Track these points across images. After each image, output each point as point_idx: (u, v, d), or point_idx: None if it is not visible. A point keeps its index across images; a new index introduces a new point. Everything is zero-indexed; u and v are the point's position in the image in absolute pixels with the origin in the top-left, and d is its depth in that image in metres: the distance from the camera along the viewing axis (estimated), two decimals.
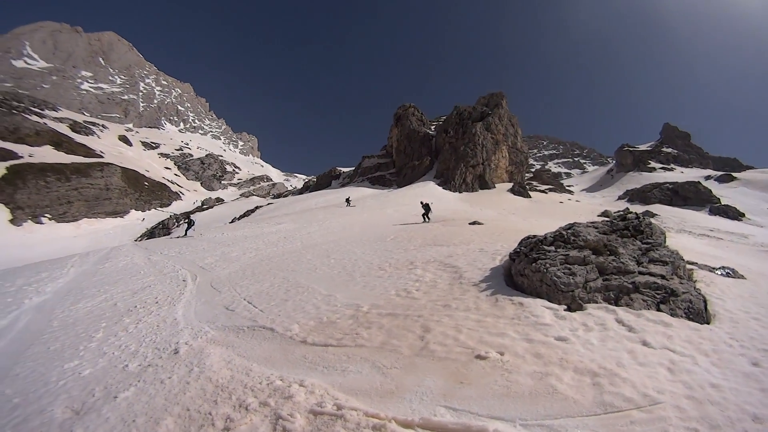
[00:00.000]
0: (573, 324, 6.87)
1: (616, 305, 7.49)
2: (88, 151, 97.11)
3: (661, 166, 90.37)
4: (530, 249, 9.81)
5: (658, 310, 7.27)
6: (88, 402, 6.69)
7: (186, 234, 34.44)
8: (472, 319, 7.64)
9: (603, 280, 8.16)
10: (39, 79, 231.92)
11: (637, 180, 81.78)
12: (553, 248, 9.52)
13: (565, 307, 7.67)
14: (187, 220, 36.46)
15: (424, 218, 29.80)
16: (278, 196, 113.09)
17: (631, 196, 67.68)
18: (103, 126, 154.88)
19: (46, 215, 67.86)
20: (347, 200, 50.32)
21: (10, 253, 46.66)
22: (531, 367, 5.59)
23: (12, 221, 61.44)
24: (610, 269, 8.37)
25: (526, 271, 9.04)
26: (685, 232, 35.30)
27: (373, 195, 62.61)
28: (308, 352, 7.46)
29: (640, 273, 8.25)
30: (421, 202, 31.59)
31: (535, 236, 10.82)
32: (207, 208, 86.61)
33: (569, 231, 10.09)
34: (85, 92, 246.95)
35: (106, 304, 13.65)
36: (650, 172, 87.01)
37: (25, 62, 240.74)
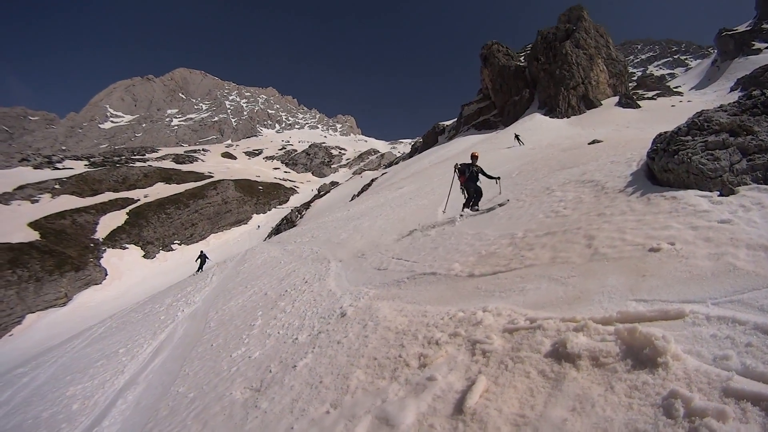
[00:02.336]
0: (731, 207, 6.54)
1: (767, 183, 7.10)
2: (197, 176, 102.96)
3: (767, 45, 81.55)
4: (667, 143, 9.30)
5: None
6: (266, 378, 6.68)
7: (201, 270, 34.71)
8: (632, 220, 7.35)
9: (747, 160, 7.76)
10: (130, 132, 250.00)
11: (745, 66, 73.89)
12: (689, 138, 9.02)
13: (718, 192, 7.37)
14: (199, 257, 35.73)
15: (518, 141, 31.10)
16: (389, 165, 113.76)
17: (744, 84, 61.30)
18: (203, 150, 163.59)
19: (175, 242, 72.73)
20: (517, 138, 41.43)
21: (152, 284, 50.40)
22: (705, 251, 5.39)
23: (145, 256, 66.51)
24: (752, 149, 7.84)
25: (670, 165, 8.66)
26: None
27: (482, 140, 61.21)
28: (479, 283, 7.06)
29: None
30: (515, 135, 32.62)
31: (668, 131, 9.95)
32: (324, 194, 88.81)
33: (701, 118, 9.42)
34: (176, 127, 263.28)
35: (257, 296, 14.00)
36: (756, 54, 78.17)
37: (112, 122, 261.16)
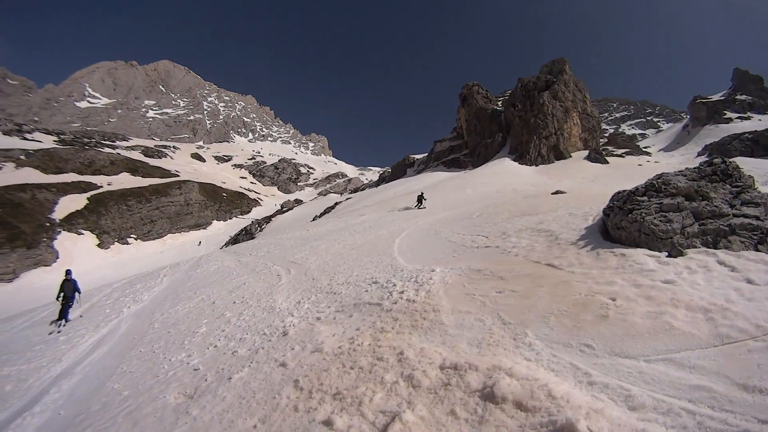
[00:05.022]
0: (677, 268, 7.05)
1: (715, 248, 7.78)
2: (163, 173, 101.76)
3: (738, 115, 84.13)
4: (623, 202, 10.03)
5: (757, 250, 7.46)
6: (201, 386, 6.83)
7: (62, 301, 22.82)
8: (578, 273, 7.89)
9: (699, 224, 8.48)
10: (105, 115, 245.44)
11: (715, 133, 76.74)
12: (645, 198, 9.72)
13: (666, 253, 7.99)
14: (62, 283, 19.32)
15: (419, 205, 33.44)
16: (355, 190, 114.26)
17: (711, 150, 63.68)
18: (174, 147, 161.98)
19: (132, 236, 71.58)
20: (419, 199, 35.86)
21: (103, 274, 49.35)
22: (644, 309, 5.79)
23: (99, 245, 65.11)
24: (705, 213, 8.63)
25: (623, 223, 9.43)
26: None
27: (449, 178, 62.12)
28: (416, 318, 7.29)
29: (735, 215, 8.42)
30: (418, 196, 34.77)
31: (626, 190, 10.79)
32: (287, 210, 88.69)
33: (659, 180, 10.19)
34: (151, 119, 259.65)
35: (204, 303, 14.04)
36: (727, 123, 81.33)
37: (89, 102, 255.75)
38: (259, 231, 68.28)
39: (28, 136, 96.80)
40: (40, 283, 47.06)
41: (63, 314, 17.38)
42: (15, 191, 62.64)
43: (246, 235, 68.95)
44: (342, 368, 5.90)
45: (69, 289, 18.18)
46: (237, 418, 5.34)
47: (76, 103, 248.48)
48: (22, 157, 76.08)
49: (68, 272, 18.99)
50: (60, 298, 17.88)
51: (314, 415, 4.82)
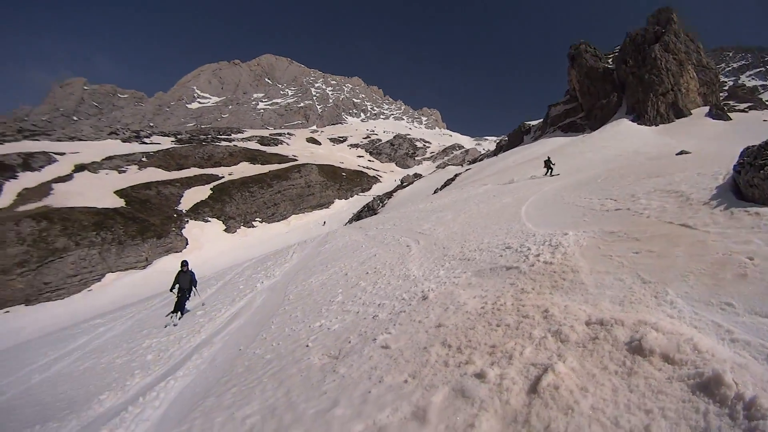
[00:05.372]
0: None
1: None
2: (281, 158, 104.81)
3: None
4: (754, 157, 8.99)
5: None
6: (344, 348, 6.90)
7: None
8: (714, 232, 7.43)
9: None
10: (217, 113, 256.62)
11: None
12: None
13: None
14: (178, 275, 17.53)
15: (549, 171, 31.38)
16: (473, 161, 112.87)
17: None
18: (288, 134, 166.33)
19: (257, 219, 74.46)
20: (547, 164, 32.65)
21: (231, 256, 52.16)
22: None
23: (226, 230, 68.63)
24: None
25: (755, 180, 8.57)
26: None
27: (568, 143, 59.77)
28: (556, 279, 6.96)
29: None
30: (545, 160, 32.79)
31: (755, 145, 9.59)
32: (407, 185, 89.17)
33: None
34: (262, 110, 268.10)
35: (337, 275, 14.32)
36: None
37: (199, 102, 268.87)
38: (382, 206, 69.08)
39: (146, 140, 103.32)
40: (172, 268, 50.35)
41: (179, 306, 17.01)
42: (141, 189, 67.54)
43: (368, 211, 69.98)
44: (488, 326, 5.75)
45: (185, 281, 17.68)
46: (386, 374, 5.33)
47: (187, 105, 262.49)
48: (144, 159, 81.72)
49: (184, 264, 18.29)
50: (175, 290, 17.38)
51: (465, 369, 4.75)
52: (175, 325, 15.29)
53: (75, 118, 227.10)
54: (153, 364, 11.33)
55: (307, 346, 7.72)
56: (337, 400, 5.07)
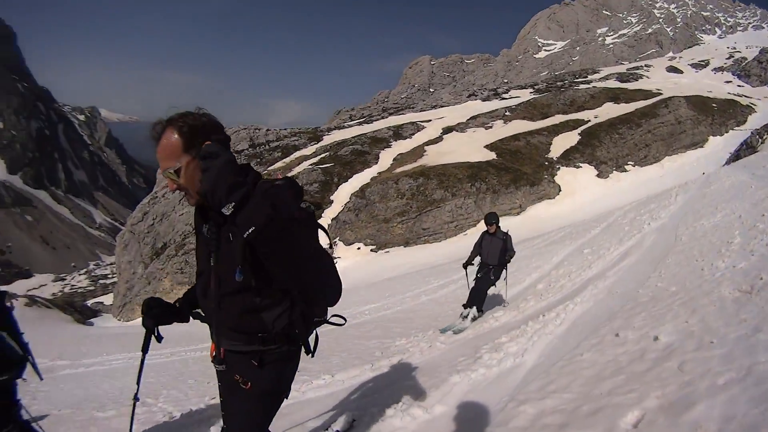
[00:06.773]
0: None
1: None
2: (645, 94, 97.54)
3: None
4: None
5: None
6: (756, 284, 6.75)
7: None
8: None
9: None
10: (567, 57, 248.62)
11: None
12: None
13: None
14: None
15: None
16: None
17: None
18: (645, 66, 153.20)
19: (629, 163, 71.74)
20: None
21: (606, 203, 51.58)
22: None
23: (598, 176, 67.34)
24: None
25: None
26: None
27: None
28: None
29: None
30: None
31: None
32: None
33: None
34: (611, 45, 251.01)
35: (730, 217, 13.50)
36: None
37: (545, 51, 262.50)
38: (761, 143, 60.91)
39: (505, 96, 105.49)
40: (545, 215, 52.64)
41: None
42: (509, 141, 70.26)
43: (748, 148, 62.26)
44: None
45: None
46: None
47: (534, 56, 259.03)
48: (507, 113, 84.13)
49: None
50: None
51: None
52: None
53: (431, 90, 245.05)
54: (544, 292, 12.59)
55: (714, 281, 7.77)
56: (759, 327, 5.07)
